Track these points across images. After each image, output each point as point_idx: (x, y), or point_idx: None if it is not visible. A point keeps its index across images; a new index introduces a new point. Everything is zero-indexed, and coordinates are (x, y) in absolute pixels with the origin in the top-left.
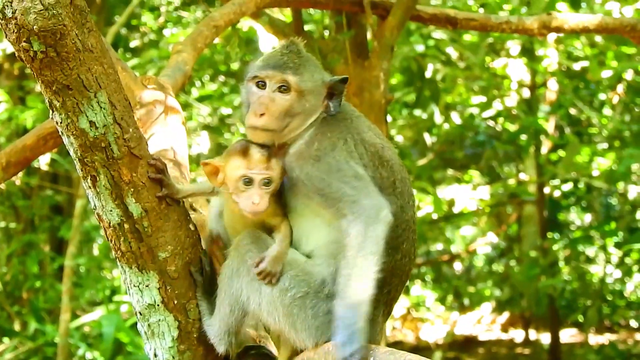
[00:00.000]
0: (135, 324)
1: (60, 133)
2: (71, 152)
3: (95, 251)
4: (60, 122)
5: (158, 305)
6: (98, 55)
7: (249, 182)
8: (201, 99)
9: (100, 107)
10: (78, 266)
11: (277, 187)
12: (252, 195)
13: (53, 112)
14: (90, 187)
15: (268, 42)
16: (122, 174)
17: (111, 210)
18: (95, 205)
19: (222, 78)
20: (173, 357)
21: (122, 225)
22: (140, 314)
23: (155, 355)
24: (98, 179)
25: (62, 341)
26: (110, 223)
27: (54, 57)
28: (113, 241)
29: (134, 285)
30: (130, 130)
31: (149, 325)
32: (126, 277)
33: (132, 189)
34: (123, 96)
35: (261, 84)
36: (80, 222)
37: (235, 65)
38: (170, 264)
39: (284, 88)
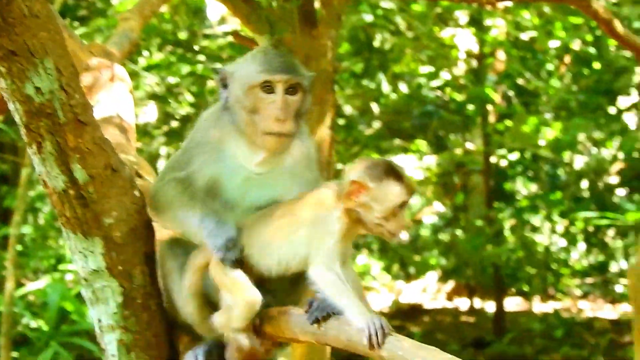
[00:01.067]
0: (80, 293)
1: (5, 99)
2: (16, 119)
3: (41, 220)
4: (6, 88)
5: (102, 271)
6: (44, 21)
7: (403, 206)
8: (149, 68)
9: (47, 74)
10: (23, 235)
11: None
12: (403, 219)
13: None
14: (35, 153)
15: (216, 11)
16: (67, 140)
17: (56, 176)
18: (40, 171)
19: (169, 47)
20: (117, 323)
21: (67, 191)
22: (85, 280)
23: (100, 321)
24: (43, 145)
25: (6, 310)
26: (55, 189)
27: (0, 23)
28: (58, 207)
29: (79, 251)
30: (76, 96)
31: (93, 291)
32: (71, 244)
33: (77, 155)
34: (70, 63)
35: (268, 88)
36: (25, 191)
37: (183, 34)
38: (115, 230)
39: (292, 89)
